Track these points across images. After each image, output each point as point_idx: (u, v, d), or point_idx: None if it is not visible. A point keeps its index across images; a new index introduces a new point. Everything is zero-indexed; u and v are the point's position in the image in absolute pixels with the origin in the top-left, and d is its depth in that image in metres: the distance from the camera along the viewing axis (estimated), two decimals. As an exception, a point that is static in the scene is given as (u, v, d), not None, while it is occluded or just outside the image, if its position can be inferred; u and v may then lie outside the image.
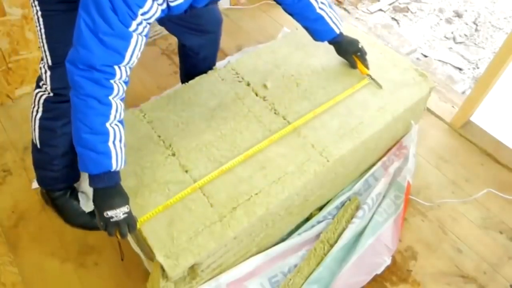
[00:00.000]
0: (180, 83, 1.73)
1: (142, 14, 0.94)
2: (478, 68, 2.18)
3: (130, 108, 1.44)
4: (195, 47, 1.52)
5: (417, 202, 1.54)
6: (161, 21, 1.43)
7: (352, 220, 1.39)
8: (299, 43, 1.62)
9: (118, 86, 1.00)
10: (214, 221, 1.13)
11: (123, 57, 0.96)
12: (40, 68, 1.21)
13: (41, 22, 1.13)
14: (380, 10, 2.51)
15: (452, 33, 2.38)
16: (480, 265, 1.40)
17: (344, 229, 1.38)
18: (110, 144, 1.00)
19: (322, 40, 1.45)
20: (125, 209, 1.03)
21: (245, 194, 1.18)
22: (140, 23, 0.95)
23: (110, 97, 0.99)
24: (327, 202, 1.46)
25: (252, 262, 1.27)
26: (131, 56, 0.98)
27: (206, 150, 1.27)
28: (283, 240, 1.36)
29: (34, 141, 1.34)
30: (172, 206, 1.15)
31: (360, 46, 1.46)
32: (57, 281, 1.36)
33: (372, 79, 1.47)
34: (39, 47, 1.20)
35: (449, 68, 2.17)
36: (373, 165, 1.55)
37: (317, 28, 1.40)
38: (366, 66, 1.48)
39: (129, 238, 1.33)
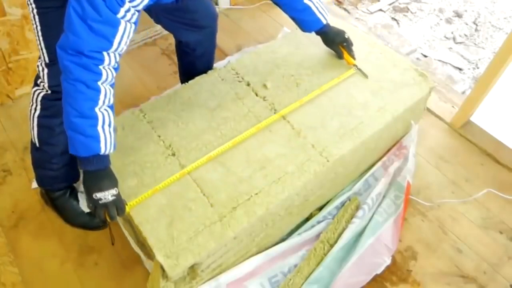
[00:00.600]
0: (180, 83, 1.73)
1: (130, 1, 0.95)
2: (478, 68, 2.18)
3: (130, 108, 1.44)
4: (192, 43, 1.52)
5: (417, 202, 1.54)
6: (156, 17, 1.43)
7: (352, 220, 1.39)
8: (299, 43, 1.62)
9: (107, 71, 1.01)
10: (214, 221, 1.13)
11: (111, 43, 0.98)
12: (38, 66, 1.21)
13: (37, 20, 1.13)
14: (380, 10, 2.51)
15: (452, 33, 2.38)
16: (480, 265, 1.40)
17: (344, 229, 1.38)
18: (99, 128, 1.02)
19: (309, 30, 1.46)
20: (113, 191, 1.05)
21: (245, 194, 1.18)
22: (128, 10, 0.97)
23: (99, 83, 1.00)
24: (327, 202, 1.46)
25: (252, 262, 1.27)
26: (119, 42, 1.00)
27: (206, 150, 1.27)
28: (283, 240, 1.36)
29: (33, 140, 1.34)
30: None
31: (346, 36, 1.49)
32: (57, 281, 1.36)
33: (358, 69, 1.49)
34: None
35: (449, 68, 2.17)
36: (373, 165, 1.55)
37: (304, 19, 1.42)
38: (353, 56, 1.51)
39: (129, 238, 1.33)
